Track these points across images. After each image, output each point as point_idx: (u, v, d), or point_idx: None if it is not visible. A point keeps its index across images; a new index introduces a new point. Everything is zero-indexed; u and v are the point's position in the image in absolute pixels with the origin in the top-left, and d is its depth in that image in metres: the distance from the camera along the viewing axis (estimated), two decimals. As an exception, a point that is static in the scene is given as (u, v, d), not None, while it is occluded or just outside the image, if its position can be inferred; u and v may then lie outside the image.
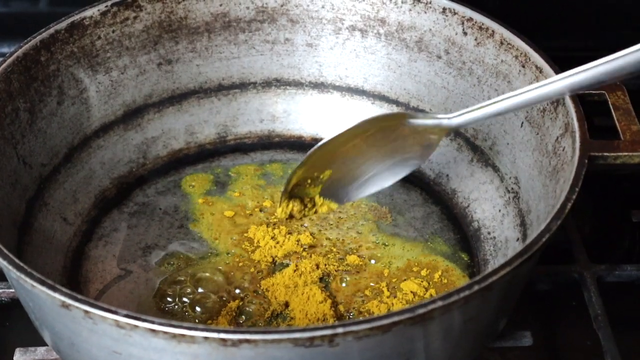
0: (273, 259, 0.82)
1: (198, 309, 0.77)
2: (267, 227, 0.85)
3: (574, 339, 0.81)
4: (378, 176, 0.82)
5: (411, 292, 0.78)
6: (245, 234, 0.84)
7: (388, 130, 0.78)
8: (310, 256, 0.82)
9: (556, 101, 0.77)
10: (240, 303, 0.78)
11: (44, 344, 0.75)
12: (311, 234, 0.84)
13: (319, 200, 0.81)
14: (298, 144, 0.95)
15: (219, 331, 0.57)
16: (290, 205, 0.81)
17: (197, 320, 0.76)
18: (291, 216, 0.82)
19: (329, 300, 0.77)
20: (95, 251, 0.84)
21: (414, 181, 0.90)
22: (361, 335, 0.58)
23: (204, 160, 0.93)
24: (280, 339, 0.57)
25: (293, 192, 0.81)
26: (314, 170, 0.80)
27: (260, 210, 0.87)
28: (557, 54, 0.83)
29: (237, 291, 0.79)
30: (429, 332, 0.62)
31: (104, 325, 0.60)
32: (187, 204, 0.88)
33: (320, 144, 0.79)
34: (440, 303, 0.59)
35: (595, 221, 0.91)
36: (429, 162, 0.90)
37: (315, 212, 0.82)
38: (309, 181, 0.81)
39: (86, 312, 0.60)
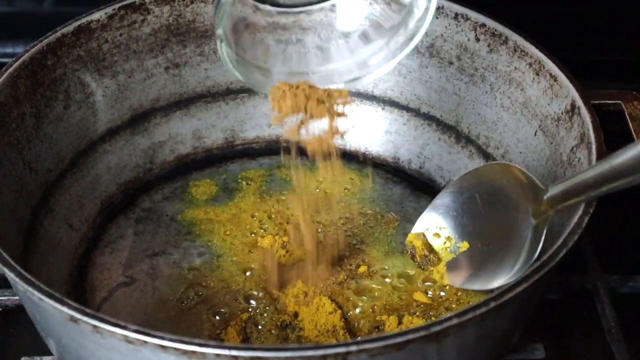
0: (282, 268, 0.81)
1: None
2: (276, 234, 0.84)
3: (587, 351, 0.80)
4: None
5: (423, 303, 0.77)
6: (254, 241, 0.83)
7: None
8: (321, 265, 0.81)
9: (571, 110, 0.76)
10: (249, 313, 0.77)
11: (49, 353, 0.74)
12: (321, 242, 0.83)
13: (442, 268, 0.80)
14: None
15: (230, 348, 0.56)
16: (420, 243, 0.81)
17: (214, 323, 0.76)
18: (412, 255, 0.81)
19: (339, 311, 0.76)
20: (101, 258, 0.83)
21: (424, 189, 0.89)
22: (375, 353, 0.57)
23: (211, 165, 0.92)
24: (292, 356, 0.56)
25: (430, 234, 0.81)
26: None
27: (269, 217, 0.86)
28: (572, 57, 0.83)
29: (245, 301, 0.78)
30: (443, 348, 0.61)
31: (112, 340, 0.59)
32: (194, 210, 0.87)
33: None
34: (455, 320, 0.58)
35: (608, 231, 0.90)
36: (439, 170, 0.90)
37: (430, 273, 0.80)
38: (447, 243, 0.80)
39: (95, 326, 0.59)
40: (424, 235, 0.81)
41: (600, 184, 0.66)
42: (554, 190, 0.71)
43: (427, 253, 0.80)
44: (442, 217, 0.82)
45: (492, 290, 0.75)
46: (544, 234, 0.73)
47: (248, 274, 0.81)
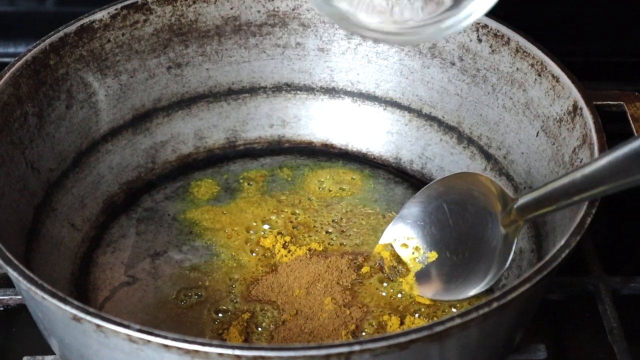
0: (284, 267, 0.81)
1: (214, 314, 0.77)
2: (278, 234, 0.84)
3: (589, 352, 0.80)
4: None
5: (425, 303, 0.77)
6: (256, 241, 0.83)
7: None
8: (323, 265, 0.81)
9: (573, 111, 0.76)
10: (251, 312, 0.77)
11: (51, 352, 0.74)
12: (323, 242, 0.83)
13: (411, 279, 0.79)
14: (308, 150, 0.94)
15: (233, 347, 0.56)
16: (388, 254, 0.80)
17: (215, 323, 0.76)
18: (381, 267, 0.80)
19: (342, 311, 0.76)
20: (103, 258, 0.83)
21: (426, 189, 0.89)
22: (378, 352, 0.57)
23: (213, 165, 0.92)
24: (295, 356, 0.56)
25: (397, 245, 0.80)
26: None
27: (271, 217, 0.86)
28: (574, 58, 0.83)
29: (247, 300, 0.78)
30: (446, 348, 0.61)
31: (115, 339, 0.59)
32: (196, 210, 0.87)
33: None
34: (458, 320, 0.58)
35: (610, 232, 0.90)
36: (441, 171, 0.90)
37: (400, 284, 0.79)
38: (415, 253, 0.80)
39: (98, 325, 0.59)
40: (391, 246, 0.80)
41: (572, 193, 0.66)
42: (524, 199, 0.71)
43: (395, 264, 0.79)
44: (410, 227, 0.81)
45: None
46: (515, 244, 0.73)
47: (249, 273, 0.80)
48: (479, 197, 0.76)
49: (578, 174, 0.65)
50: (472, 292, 0.76)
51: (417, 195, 0.81)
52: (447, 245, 0.78)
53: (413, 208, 0.81)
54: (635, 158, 0.61)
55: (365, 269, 0.80)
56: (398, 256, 0.80)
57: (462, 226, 0.78)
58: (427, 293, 0.78)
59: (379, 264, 0.80)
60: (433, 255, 0.79)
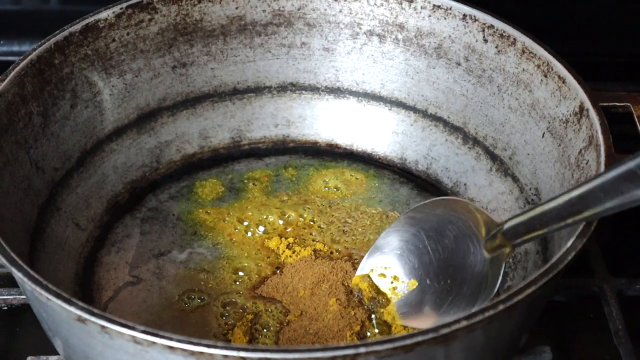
0: (289, 268, 0.81)
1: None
2: (283, 235, 0.83)
3: (594, 354, 0.80)
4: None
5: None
6: (260, 242, 0.83)
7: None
8: (328, 266, 0.80)
9: (580, 112, 0.76)
10: (256, 312, 0.77)
11: (55, 352, 0.74)
12: (327, 242, 0.83)
13: (392, 308, 0.77)
14: (313, 150, 0.94)
15: (238, 349, 0.56)
16: (366, 285, 0.79)
17: (220, 323, 0.76)
18: (360, 300, 0.78)
19: (347, 311, 0.76)
20: (107, 257, 0.82)
21: (431, 190, 0.89)
22: (383, 355, 0.57)
23: (217, 165, 0.92)
24: (301, 357, 0.56)
25: (376, 276, 0.79)
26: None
27: (275, 217, 0.86)
28: (580, 59, 0.83)
29: (252, 301, 0.78)
30: (451, 351, 0.61)
31: (120, 341, 0.59)
32: (200, 210, 0.87)
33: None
34: (464, 323, 0.58)
35: (615, 233, 0.90)
36: (446, 171, 0.89)
37: (381, 315, 0.77)
38: (394, 282, 0.78)
39: (102, 327, 0.58)
40: (369, 277, 0.79)
41: (564, 216, 0.64)
42: (510, 224, 0.70)
43: (374, 295, 0.78)
44: (387, 257, 0.79)
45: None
46: (502, 268, 0.72)
47: (254, 274, 0.80)
48: (458, 223, 0.75)
49: (569, 197, 0.64)
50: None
51: (393, 224, 0.79)
52: (426, 272, 0.77)
53: (389, 237, 0.79)
54: (626, 179, 0.60)
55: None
56: (377, 287, 0.78)
57: (441, 253, 0.76)
58: (410, 322, 0.76)
59: (358, 296, 0.78)
60: (413, 284, 0.77)
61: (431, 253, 0.77)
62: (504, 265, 0.72)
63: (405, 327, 0.76)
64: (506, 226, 0.70)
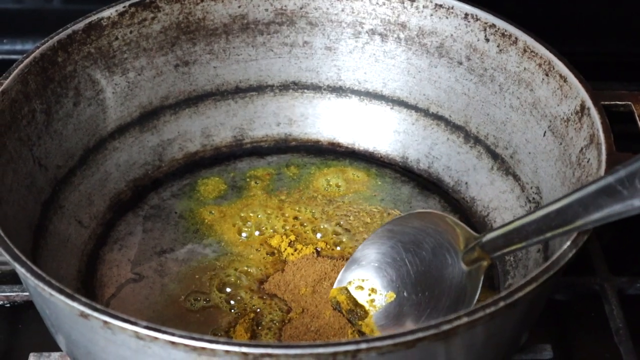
0: (291, 266, 0.81)
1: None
2: (284, 233, 0.84)
3: (595, 353, 0.80)
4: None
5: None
6: (262, 240, 0.83)
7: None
8: (329, 263, 0.81)
9: (581, 111, 0.76)
10: (258, 310, 0.77)
11: (58, 349, 0.74)
12: (329, 240, 0.83)
13: (370, 321, 0.77)
14: (315, 148, 0.94)
15: (240, 345, 0.56)
16: (343, 298, 0.78)
17: (222, 320, 0.76)
18: (338, 310, 0.78)
19: (349, 309, 0.76)
20: (110, 255, 0.83)
21: (432, 189, 0.89)
22: (384, 351, 0.57)
23: (219, 163, 0.92)
24: (302, 354, 0.56)
25: (354, 288, 0.79)
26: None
27: (277, 216, 0.86)
28: (582, 58, 0.83)
29: (253, 298, 0.78)
30: (452, 347, 0.61)
31: (122, 336, 0.59)
32: (203, 208, 0.87)
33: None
34: (465, 319, 0.58)
35: (616, 232, 0.90)
36: (448, 170, 0.90)
37: (359, 327, 0.77)
38: (371, 294, 0.78)
39: (105, 322, 0.59)
40: (346, 289, 0.78)
41: (543, 230, 0.64)
42: (489, 237, 0.70)
43: (352, 307, 0.77)
44: (364, 269, 0.79)
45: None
46: (481, 280, 0.72)
47: (256, 271, 0.81)
48: (436, 236, 0.75)
49: (547, 211, 0.64)
50: None
51: (371, 237, 0.79)
52: (404, 284, 0.76)
53: (367, 249, 0.79)
54: (606, 193, 0.60)
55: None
56: (354, 299, 0.78)
57: (419, 265, 0.76)
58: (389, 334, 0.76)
59: (336, 308, 0.78)
60: (391, 296, 0.77)
61: (409, 265, 0.76)
62: (482, 278, 0.72)
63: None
64: (484, 239, 0.70)
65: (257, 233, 0.84)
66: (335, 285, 0.79)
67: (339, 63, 0.93)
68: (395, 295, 0.77)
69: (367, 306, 0.77)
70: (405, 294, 0.76)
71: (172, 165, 0.91)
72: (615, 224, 0.87)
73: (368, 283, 0.78)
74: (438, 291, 0.74)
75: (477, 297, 0.72)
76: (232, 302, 0.78)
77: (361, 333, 0.75)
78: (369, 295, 0.78)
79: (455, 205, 0.88)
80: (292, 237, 0.83)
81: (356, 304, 0.77)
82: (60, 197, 0.82)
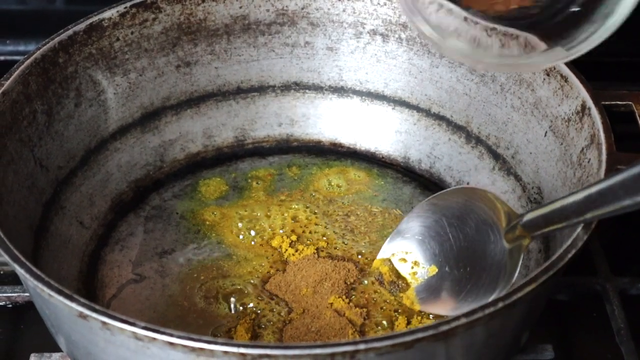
0: (292, 266, 0.81)
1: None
2: (286, 233, 0.84)
3: (596, 353, 0.80)
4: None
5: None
6: (264, 240, 0.83)
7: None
8: (330, 264, 0.81)
9: (582, 111, 0.76)
10: (259, 310, 0.77)
11: (59, 349, 0.74)
12: (330, 241, 0.83)
13: (411, 293, 0.78)
14: (317, 149, 0.94)
15: (238, 345, 0.56)
16: (386, 269, 0.79)
17: (223, 320, 0.76)
18: (380, 282, 0.79)
19: (348, 310, 0.76)
20: (111, 256, 0.83)
21: (434, 189, 0.89)
22: (383, 351, 0.57)
23: (221, 164, 0.92)
24: (301, 354, 0.56)
25: (397, 260, 0.79)
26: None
27: (278, 216, 0.86)
28: (582, 58, 0.82)
29: (254, 299, 0.78)
30: (451, 348, 0.61)
31: (121, 337, 0.59)
32: (204, 208, 0.87)
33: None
34: (464, 320, 0.58)
35: (618, 232, 0.90)
36: (449, 170, 0.90)
37: (400, 299, 0.78)
38: (414, 267, 0.79)
39: (104, 323, 0.59)
40: (390, 260, 0.79)
41: (584, 210, 0.64)
42: (530, 216, 0.70)
43: (394, 279, 0.78)
44: (408, 242, 0.79)
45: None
46: (521, 259, 0.72)
47: (257, 272, 0.81)
48: (480, 212, 0.75)
49: (589, 192, 0.64)
50: (476, 307, 0.74)
51: (416, 209, 0.80)
52: (447, 259, 0.77)
53: (411, 222, 0.80)
54: None
55: (372, 269, 0.80)
56: (397, 271, 0.79)
57: (462, 240, 0.77)
58: (429, 308, 0.77)
59: (378, 279, 0.79)
60: (433, 270, 0.78)
61: (452, 240, 0.77)
62: (522, 256, 0.72)
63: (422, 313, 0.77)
64: (526, 218, 0.70)
65: (258, 233, 0.84)
66: (378, 256, 0.80)
67: (341, 63, 0.93)
68: (437, 269, 0.77)
69: (409, 279, 0.78)
70: (447, 268, 0.77)
71: (173, 166, 0.91)
72: (616, 224, 0.87)
73: (411, 256, 0.79)
74: (479, 267, 0.75)
75: (516, 275, 0.72)
76: (233, 302, 0.78)
77: (362, 333, 0.75)
78: (412, 268, 0.78)
79: (457, 205, 0.88)
80: (294, 238, 0.83)
81: (398, 275, 0.78)
82: (61, 197, 0.82)
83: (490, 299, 0.73)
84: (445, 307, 0.76)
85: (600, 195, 0.63)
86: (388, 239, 0.81)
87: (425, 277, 0.78)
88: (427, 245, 0.78)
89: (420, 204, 0.80)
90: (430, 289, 0.77)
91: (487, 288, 0.73)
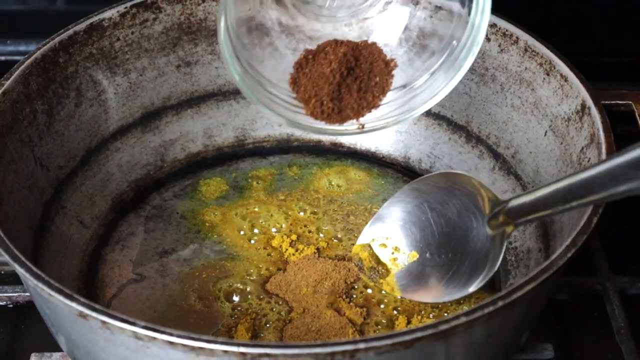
0: (292, 266, 0.81)
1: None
2: (286, 233, 0.84)
3: (596, 352, 0.80)
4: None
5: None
6: (264, 240, 0.84)
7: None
8: (330, 263, 0.81)
9: (582, 110, 0.76)
10: (259, 310, 0.77)
11: (59, 349, 0.74)
12: (331, 240, 0.83)
13: (391, 279, 0.77)
14: (317, 149, 0.94)
15: (238, 345, 0.57)
16: (366, 255, 0.79)
17: (223, 320, 0.76)
18: (360, 268, 0.79)
19: (348, 309, 0.76)
20: (111, 255, 0.83)
21: (434, 188, 0.89)
22: (383, 350, 0.57)
23: (222, 163, 0.92)
24: (300, 353, 0.56)
25: (377, 246, 0.79)
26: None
27: (279, 216, 0.86)
28: (582, 58, 0.83)
29: (255, 298, 0.78)
30: (451, 347, 0.61)
31: (121, 336, 0.59)
32: (205, 208, 0.87)
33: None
34: (463, 319, 0.58)
35: (618, 231, 0.90)
36: (449, 169, 0.89)
37: (380, 285, 0.78)
38: (394, 253, 0.79)
39: (104, 322, 0.59)
40: (369, 246, 0.79)
41: (570, 198, 0.64)
42: (515, 202, 0.69)
43: (374, 265, 0.78)
44: (388, 227, 0.79)
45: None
46: (504, 246, 0.72)
47: (257, 272, 0.81)
48: (462, 198, 0.75)
49: (574, 179, 0.63)
50: (458, 294, 0.74)
51: (397, 193, 0.79)
52: (428, 245, 0.77)
53: (392, 207, 0.79)
54: (634, 165, 0.59)
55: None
56: (377, 257, 0.78)
57: (444, 226, 0.76)
58: (410, 295, 0.76)
59: (358, 265, 0.78)
60: (413, 256, 0.77)
61: (434, 226, 0.76)
62: (505, 244, 0.72)
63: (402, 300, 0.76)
64: (510, 204, 0.70)
65: (258, 233, 0.84)
66: (358, 241, 0.79)
67: (341, 63, 0.93)
68: (418, 255, 0.77)
69: (389, 264, 0.77)
70: (428, 254, 0.76)
71: (174, 166, 0.91)
72: (617, 224, 0.88)
73: (392, 241, 0.78)
74: (461, 254, 0.74)
75: (499, 262, 0.72)
76: (233, 302, 0.78)
77: (362, 333, 0.75)
78: (392, 253, 0.78)
79: (457, 205, 0.88)
80: (294, 237, 0.84)
81: (378, 261, 0.78)
82: (61, 197, 0.82)
83: (472, 286, 0.73)
84: (426, 295, 0.76)
85: (586, 182, 0.63)
86: (368, 223, 0.80)
87: (406, 263, 0.77)
88: (408, 230, 0.78)
89: (402, 188, 0.79)
90: (411, 276, 0.77)
91: (470, 275, 0.73)
